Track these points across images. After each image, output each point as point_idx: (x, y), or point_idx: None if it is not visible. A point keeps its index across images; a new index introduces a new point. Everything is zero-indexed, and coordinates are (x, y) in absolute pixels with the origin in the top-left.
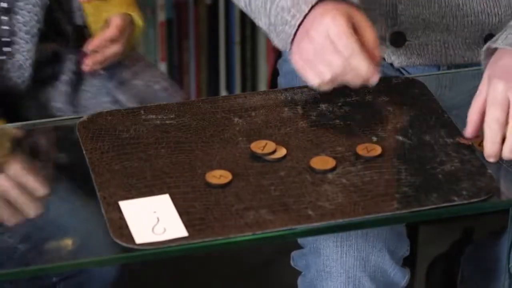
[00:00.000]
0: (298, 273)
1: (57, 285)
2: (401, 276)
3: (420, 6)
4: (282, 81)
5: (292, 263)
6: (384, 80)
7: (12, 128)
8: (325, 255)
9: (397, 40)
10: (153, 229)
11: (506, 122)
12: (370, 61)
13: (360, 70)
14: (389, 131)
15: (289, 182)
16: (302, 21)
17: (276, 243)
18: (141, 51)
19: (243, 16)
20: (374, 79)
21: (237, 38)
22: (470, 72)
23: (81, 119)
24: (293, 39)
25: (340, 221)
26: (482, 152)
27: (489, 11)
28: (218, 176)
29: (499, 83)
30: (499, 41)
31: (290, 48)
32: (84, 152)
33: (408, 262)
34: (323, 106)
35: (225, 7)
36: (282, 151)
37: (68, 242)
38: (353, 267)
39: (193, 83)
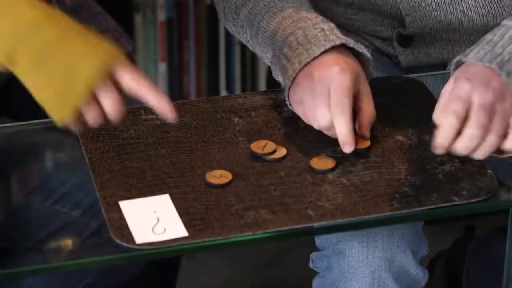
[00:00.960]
0: (299, 273)
1: None
2: (422, 276)
3: (426, 17)
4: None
5: (311, 264)
6: (384, 80)
7: None
8: (350, 256)
9: (405, 40)
10: (153, 229)
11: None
12: (351, 129)
13: (337, 132)
14: (389, 131)
15: (289, 182)
16: (311, 61)
17: (277, 243)
18: (141, 51)
19: None
20: (346, 148)
21: (237, 38)
22: None
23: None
24: (295, 76)
25: (340, 221)
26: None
27: (493, 13)
28: (218, 176)
29: (466, 83)
30: (470, 56)
31: (290, 85)
32: (84, 152)
33: None
34: None
35: None
36: (282, 151)
37: (68, 242)
38: (379, 268)
39: (193, 83)
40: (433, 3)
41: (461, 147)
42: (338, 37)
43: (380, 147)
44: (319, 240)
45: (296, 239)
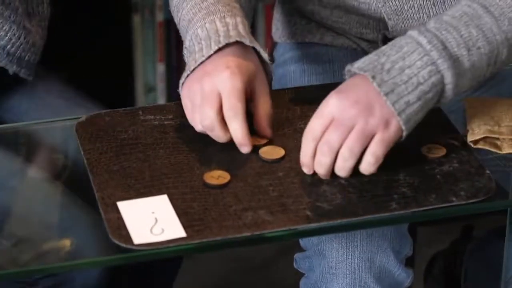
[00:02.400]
0: (299, 273)
1: (39, 281)
2: (405, 277)
3: (409, 20)
4: (276, 86)
5: (295, 265)
6: None
7: None
8: (330, 257)
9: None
10: (151, 229)
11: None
12: (246, 131)
13: (233, 135)
14: None
15: (287, 183)
16: (207, 59)
17: (276, 244)
18: (139, 51)
19: None
20: (243, 149)
21: None
22: None
23: (80, 120)
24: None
25: (338, 221)
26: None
27: None
28: (217, 177)
29: (332, 98)
30: (354, 65)
31: (184, 81)
32: (82, 152)
33: (407, 262)
34: None
35: None
36: (280, 152)
37: (66, 243)
38: (359, 268)
39: None
40: (415, 6)
41: (316, 161)
42: (238, 34)
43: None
44: (302, 240)
45: (294, 239)
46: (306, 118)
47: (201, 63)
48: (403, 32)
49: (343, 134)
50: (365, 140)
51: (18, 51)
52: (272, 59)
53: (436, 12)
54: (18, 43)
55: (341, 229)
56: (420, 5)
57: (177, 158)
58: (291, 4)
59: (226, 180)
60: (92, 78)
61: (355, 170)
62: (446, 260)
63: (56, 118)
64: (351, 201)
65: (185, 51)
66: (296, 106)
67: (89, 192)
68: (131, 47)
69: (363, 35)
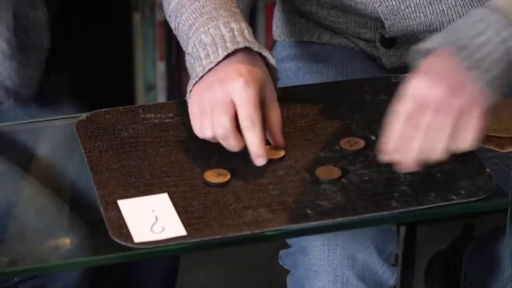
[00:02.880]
0: None
1: (19, 284)
2: (389, 275)
3: (406, 19)
4: None
5: (280, 261)
6: (383, 79)
7: None
8: (312, 254)
9: (387, 41)
10: (151, 228)
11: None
12: (263, 141)
13: (250, 145)
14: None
15: (287, 181)
16: (215, 65)
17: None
18: (139, 50)
19: None
20: (259, 161)
21: None
22: None
23: (80, 118)
24: (199, 79)
25: (338, 220)
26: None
27: None
28: (217, 175)
29: (418, 81)
30: (428, 43)
31: (193, 86)
32: (82, 151)
33: (407, 261)
34: (321, 105)
35: None
36: (280, 152)
37: (66, 241)
38: (340, 266)
39: None
40: (412, 5)
41: (405, 153)
42: (244, 39)
43: (363, 141)
44: None
45: (294, 238)
46: (306, 116)
47: (210, 69)
48: (400, 32)
49: (439, 117)
50: (458, 120)
51: (14, 86)
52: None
53: (433, 11)
54: (14, 79)
55: (341, 228)
56: (417, 4)
57: (178, 156)
58: (290, 3)
59: (226, 179)
60: (92, 77)
61: (354, 169)
62: (447, 259)
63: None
64: (351, 199)
65: (187, 57)
66: (296, 105)
67: (89, 190)
68: (131, 46)
69: (361, 34)
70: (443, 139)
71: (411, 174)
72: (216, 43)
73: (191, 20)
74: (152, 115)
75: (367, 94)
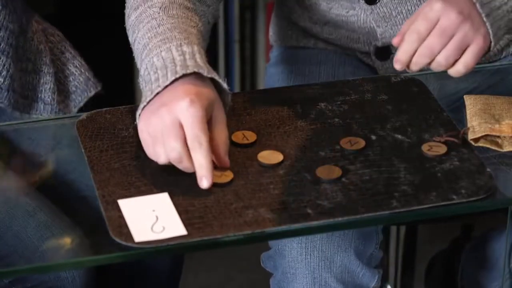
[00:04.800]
0: None
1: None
2: (370, 277)
3: (398, 25)
4: (266, 86)
5: (262, 264)
6: (383, 79)
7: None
8: (290, 257)
9: (382, 53)
10: (152, 227)
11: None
12: (209, 163)
13: (196, 166)
14: (388, 129)
15: (288, 181)
16: (162, 89)
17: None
18: None
19: (242, 14)
20: (203, 184)
21: (236, 36)
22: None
23: (80, 118)
24: (146, 104)
25: (339, 219)
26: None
27: None
28: (219, 175)
29: (437, 3)
30: None
31: (141, 112)
32: (83, 150)
33: (407, 261)
34: (322, 105)
35: (224, 6)
36: (279, 157)
37: (67, 241)
38: (318, 268)
39: None
40: (404, 12)
41: (414, 64)
42: (195, 64)
43: (379, 146)
44: None
45: (294, 237)
46: (306, 116)
47: (157, 93)
48: (392, 40)
49: (445, 40)
50: (462, 50)
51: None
52: (268, 59)
53: None
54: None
55: (342, 227)
56: (408, 10)
57: None
58: (287, 17)
59: (229, 178)
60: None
61: (354, 169)
62: (446, 260)
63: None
64: (352, 199)
65: (140, 80)
66: (296, 105)
67: (90, 190)
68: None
69: (355, 50)
70: (445, 66)
71: (412, 173)
72: (167, 66)
73: (145, 39)
74: None
75: (367, 93)
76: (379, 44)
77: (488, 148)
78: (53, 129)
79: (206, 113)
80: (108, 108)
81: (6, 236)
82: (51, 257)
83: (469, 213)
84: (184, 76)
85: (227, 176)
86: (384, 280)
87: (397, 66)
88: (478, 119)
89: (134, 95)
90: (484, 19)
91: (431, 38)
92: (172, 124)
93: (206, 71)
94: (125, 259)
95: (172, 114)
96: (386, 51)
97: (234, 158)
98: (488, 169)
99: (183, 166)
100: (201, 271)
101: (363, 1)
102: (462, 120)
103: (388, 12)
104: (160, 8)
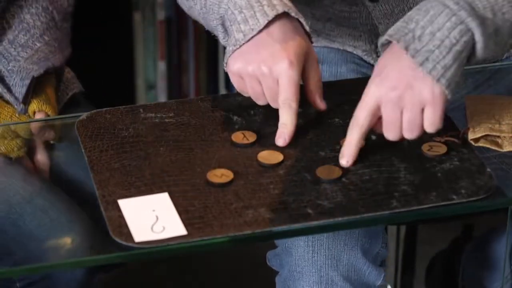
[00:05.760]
0: None
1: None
2: (376, 275)
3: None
4: None
5: (268, 262)
6: None
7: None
8: (296, 255)
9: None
10: (152, 227)
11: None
12: (293, 124)
13: (281, 124)
14: None
15: (288, 181)
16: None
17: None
18: (140, 49)
19: None
20: (280, 142)
21: None
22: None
23: (80, 118)
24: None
25: (339, 219)
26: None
27: None
28: (220, 175)
29: (371, 87)
30: (385, 35)
31: (232, 53)
32: (83, 150)
33: (407, 261)
34: None
35: None
36: (279, 157)
37: (67, 241)
38: (325, 266)
39: (192, 82)
40: (405, 9)
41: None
42: (281, 3)
43: (379, 146)
44: None
45: (295, 237)
46: (306, 116)
47: (251, 37)
48: None
49: (397, 126)
50: (419, 118)
51: None
52: None
53: None
54: None
55: (342, 227)
56: (410, 8)
57: (178, 156)
58: None
59: (229, 179)
60: (93, 76)
61: (355, 169)
62: (447, 260)
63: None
64: (352, 199)
65: (218, 21)
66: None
67: (90, 190)
68: (132, 45)
69: (357, 47)
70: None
71: (412, 173)
72: (253, 6)
73: None
74: (153, 115)
75: None
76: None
77: (488, 148)
78: (53, 129)
79: (301, 71)
80: (108, 108)
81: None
82: (51, 257)
83: (469, 213)
84: (274, 18)
85: (227, 176)
86: (384, 280)
87: (342, 161)
88: (478, 119)
89: (134, 95)
90: (420, 68)
91: (385, 131)
92: (269, 79)
93: (294, 11)
94: (125, 259)
95: (272, 75)
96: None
97: (234, 158)
98: (488, 169)
99: (262, 103)
100: (201, 272)
101: None
102: (462, 120)
103: (391, 9)
104: None
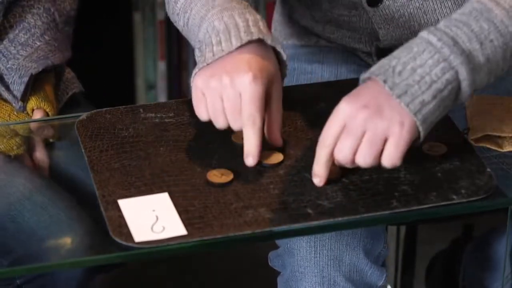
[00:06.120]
0: None
1: (22, 287)
2: (378, 276)
3: (400, 28)
4: None
5: (270, 263)
6: None
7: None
8: (298, 256)
9: (384, 54)
10: (152, 227)
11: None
12: (259, 141)
13: (246, 142)
14: None
15: (288, 181)
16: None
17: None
18: (140, 49)
19: None
20: (249, 161)
21: None
22: None
23: (80, 118)
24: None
25: (339, 219)
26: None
27: None
28: (220, 175)
29: (341, 103)
30: (368, 70)
31: (197, 71)
32: (83, 150)
33: (407, 261)
34: (322, 105)
35: None
36: (278, 157)
37: (67, 241)
38: (327, 267)
39: None
40: (406, 14)
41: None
42: (259, 31)
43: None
44: None
45: (297, 238)
46: (306, 116)
47: (219, 57)
48: (394, 41)
49: (355, 141)
50: (378, 145)
51: None
52: None
53: (427, 20)
54: None
55: (342, 227)
56: (411, 13)
57: (178, 156)
58: (289, 15)
59: (229, 179)
60: (93, 76)
61: (355, 169)
62: (447, 259)
63: (56, 116)
64: (352, 199)
65: (197, 45)
66: (296, 104)
67: (90, 190)
68: (132, 45)
69: (357, 50)
70: (366, 165)
71: (412, 173)
72: (230, 31)
73: (202, 12)
74: (153, 115)
75: None
76: (381, 45)
77: (488, 148)
78: (53, 129)
79: (266, 89)
80: (108, 108)
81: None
82: (51, 257)
83: (469, 213)
84: (247, 43)
85: (227, 176)
86: (384, 280)
87: (315, 180)
88: (478, 119)
89: (134, 95)
90: (398, 100)
91: (339, 143)
92: (232, 95)
93: (270, 39)
94: (125, 259)
95: (234, 87)
96: (388, 52)
97: (234, 158)
98: (488, 169)
99: (221, 126)
100: (201, 272)
101: (365, 3)
102: (462, 120)
103: (390, 14)
104: None
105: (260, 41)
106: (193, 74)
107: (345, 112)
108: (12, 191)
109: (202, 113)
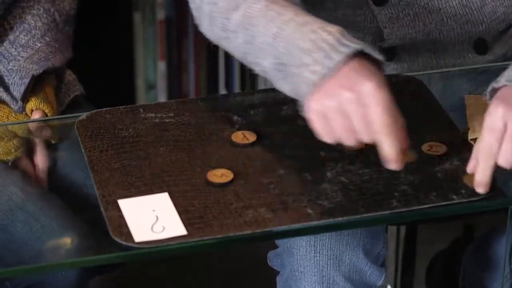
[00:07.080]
0: None
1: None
2: (377, 275)
3: (405, 27)
4: (268, 85)
5: (269, 262)
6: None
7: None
8: (298, 255)
9: (388, 54)
10: (152, 227)
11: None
12: (398, 149)
13: (387, 153)
14: None
15: (288, 181)
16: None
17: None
18: (140, 49)
19: None
20: (397, 166)
21: None
22: (464, 71)
23: (80, 118)
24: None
25: (339, 219)
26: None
27: (474, 21)
28: (220, 175)
29: (498, 108)
30: (502, 80)
31: (307, 95)
32: (83, 150)
33: (407, 261)
34: None
35: None
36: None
37: (66, 241)
38: (327, 267)
39: (192, 82)
40: (411, 14)
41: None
42: (353, 41)
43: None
44: None
45: (295, 237)
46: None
47: (325, 75)
48: (399, 40)
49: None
50: None
51: None
52: None
53: (432, 20)
54: None
55: (342, 227)
56: (416, 13)
57: (178, 156)
58: None
59: (229, 179)
60: (93, 76)
61: (355, 169)
62: (447, 260)
63: (56, 116)
64: (352, 199)
65: (273, 63)
66: (296, 104)
67: (89, 190)
68: (132, 45)
69: None
70: None
71: (412, 173)
72: (322, 47)
73: (273, 29)
74: (153, 115)
75: None
76: (385, 45)
77: None
78: (53, 129)
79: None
80: (108, 108)
81: None
82: (51, 257)
83: (469, 213)
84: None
85: (227, 176)
86: (384, 280)
87: (480, 189)
88: (478, 119)
89: (134, 95)
90: None
91: (504, 145)
92: (361, 109)
93: (366, 47)
94: (125, 259)
95: (358, 100)
96: (392, 52)
97: (234, 158)
98: None
99: (352, 143)
100: (201, 272)
101: (371, 2)
102: (462, 120)
103: (396, 13)
104: (266, 1)
105: (359, 53)
106: (303, 99)
107: (505, 116)
108: (4, 199)
109: (329, 136)
